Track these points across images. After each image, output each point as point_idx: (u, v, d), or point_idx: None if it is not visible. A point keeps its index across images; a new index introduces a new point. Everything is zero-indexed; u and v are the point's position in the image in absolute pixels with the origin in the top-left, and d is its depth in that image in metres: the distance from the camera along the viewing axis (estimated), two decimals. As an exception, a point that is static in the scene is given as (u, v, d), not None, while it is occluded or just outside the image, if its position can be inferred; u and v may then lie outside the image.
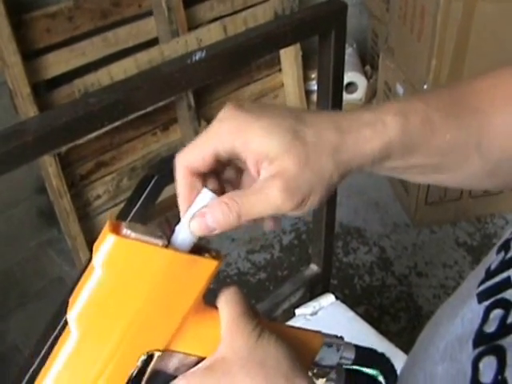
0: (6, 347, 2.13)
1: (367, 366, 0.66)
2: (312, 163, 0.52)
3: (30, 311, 2.24)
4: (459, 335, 0.56)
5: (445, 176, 0.63)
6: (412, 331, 2.11)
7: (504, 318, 0.51)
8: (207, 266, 0.53)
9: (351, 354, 0.63)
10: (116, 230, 0.50)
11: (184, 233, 0.53)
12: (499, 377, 0.48)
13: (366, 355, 0.64)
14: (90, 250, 1.79)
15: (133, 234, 0.50)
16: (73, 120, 0.78)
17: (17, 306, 2.27)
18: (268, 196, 0.52)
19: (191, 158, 0.54)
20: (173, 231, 0.54)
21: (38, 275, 2.36)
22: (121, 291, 0.50)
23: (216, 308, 0.55)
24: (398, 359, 0.68)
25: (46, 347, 1.15)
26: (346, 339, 0.64)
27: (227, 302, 0.55)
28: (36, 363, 1.14)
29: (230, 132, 0.53)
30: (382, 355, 0.67)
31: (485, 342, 0.52)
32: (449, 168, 0.62)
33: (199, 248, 0.54)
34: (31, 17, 1.96)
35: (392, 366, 0.67)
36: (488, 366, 0.50)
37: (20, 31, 1.93)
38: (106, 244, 0.49)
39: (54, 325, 1.18)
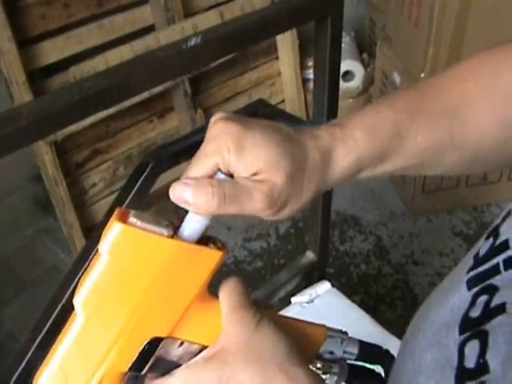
0: (2, 335, 2.13)
1: (371, 362, 0.66)
2: (296, 181, 0.56)
3: (26, 299, 2.24)
4: (447, 321, 0.56)
5: (424, 171, 0.65)
6: (408, 319, 2.09)
7: (488, 302, 0.52)
8: (212, 257, 0.54)
9: (355, 349, 0.63)
10: (123, 219, 0.51)
11: (192, 223, 0.54)
12: (481, 360, 0.48)
13: (370, 351, 0.65)
14: (86, 238, 1.78)
15: (139, 223, 0.51)
16: (67, 105, 0.77)
17: (13, 294, 2.27)
18: (252, 197, 0.55)
19: (199, 174, 0.56)
20: (181, 221, 0.55)
21: (34, 263, 2.35)
22: (126, 278, 0.52)
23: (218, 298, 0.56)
24: (394, 347, 0.68)
25: (41, 335, 1.15)
26: (342, 327, 0.64)
27: (227, 292, 0.56)
28: (31, 351, 1.14)
29: (227, 149, 0.54)
30: (387, 352, 0.67)
31: (470, 328, 0.52)
32: (427, 166, 0.63)
33: (206, 238, 0.56)
34: (26, 3, 1.95)
35: (392, 357, 0.67)
36: (472, 350, 0.50)
37: (15, 18, 1.91)
38: (113, 231, 0.50)
39: (49, 313, 1.18)
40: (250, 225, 2.50)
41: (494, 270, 0.54)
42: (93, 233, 1.23)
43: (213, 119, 0.57)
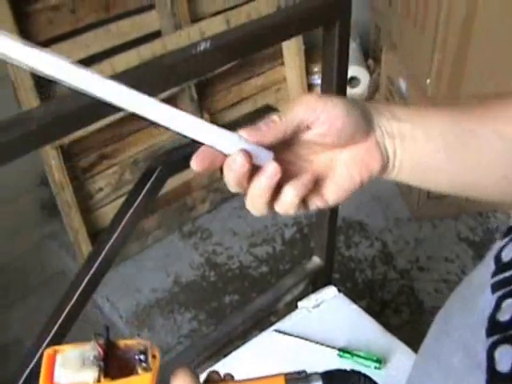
0: (8, 339, 2.14)
1: None
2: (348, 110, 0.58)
3: (32, 303, 2.25)
4: (472, 325, 0.56)
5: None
6: (413, 325, 2.11)
7: None
8: (143, 381, 0.54)
9: (319, 383, 0.63)
10: (49, 376, 0.53)
11: None
12: None
13: (333, 378, 0.64)
14: (92, 243, 1.78)
15: (63, 380, 0.53)
16: (78, 109, 0.78)
17: (19, 298, 2.27)
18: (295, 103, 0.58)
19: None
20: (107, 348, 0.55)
21: (40, 268, 2.36)
22: None
23: None
24: (401, 352, 0.68)
25: (46, 341, 1.15)
26: (349, 332, 0.64)
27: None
28: (37, 357, 1.14)
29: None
30: (352, 371, 0.66)
31: (499, 331, 0.52)
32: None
33: (139, 353, 0.56)
34: (34, 9, 1.96)
35: (364, 375, 0.67)
36: (505, 354, 0.49)
37: (23, 23, 1.92)
38: None
39: (55, 319, 1.18)
40: (255, 230, 2.51)
41: None
42: (99, 238, 1.23)
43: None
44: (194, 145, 1.27)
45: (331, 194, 0.62)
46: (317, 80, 2.80)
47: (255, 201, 0.57)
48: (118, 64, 2.13)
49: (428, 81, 2.24)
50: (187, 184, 2.51)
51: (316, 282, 1.58)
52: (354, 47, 2.97)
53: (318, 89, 2.79)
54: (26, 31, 1.94)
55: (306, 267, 1.58)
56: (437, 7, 2.09)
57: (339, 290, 1.47)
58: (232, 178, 0.56)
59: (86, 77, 0.52)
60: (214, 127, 0.55)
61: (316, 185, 0.60)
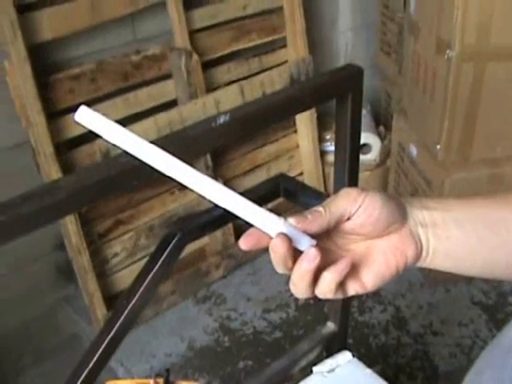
0: (22, 404, 2.14)
1: None
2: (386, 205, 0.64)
3: (45, 368, 2.26)
4: (502, 382, 0.58)
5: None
6: (428, 391, 2.10)
7: None
8: None
9: None
10: None
11: None
12: None
13: None
14: (107, 307, 1.82)
15: None
16: (105, 178, 0.82)
17: (32, 362, 2.28)
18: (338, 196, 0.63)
19: None
20: None
21: (55, 332, 2.37)
22: None
23: None
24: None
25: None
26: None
27: None
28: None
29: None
30: None
31: None
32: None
33: None
34: (56, 78, 2.03)
35: None
36: None
37: (45, 91, 1.99)
38: None
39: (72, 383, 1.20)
40: (269, 296, 2.52)
41: None
42: (117, 303, 1.26)
43: None
44: (210, 213, 1.31)
45: (369, 281, 0.66)
46: (329, 147, 2.84)
47: (297, 284, 0.61)
48: (136, 132, 2.17)
49: (438, 147, 2.28)
50: (202, 250, 2.53)
51: (330, 347, 1.59)
52: (364, 114, 3.01)
53: (331, 156, 2.83)
54: (48, 99, 2.01)
55: (321, 332, 1.59)
56: (445, 75, 2.14)
57: (353, 355, 1.48)
58: (275, 260, 0.60)
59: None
60: (263, 210, 0.60)
61: (354, 271, 0.64)
